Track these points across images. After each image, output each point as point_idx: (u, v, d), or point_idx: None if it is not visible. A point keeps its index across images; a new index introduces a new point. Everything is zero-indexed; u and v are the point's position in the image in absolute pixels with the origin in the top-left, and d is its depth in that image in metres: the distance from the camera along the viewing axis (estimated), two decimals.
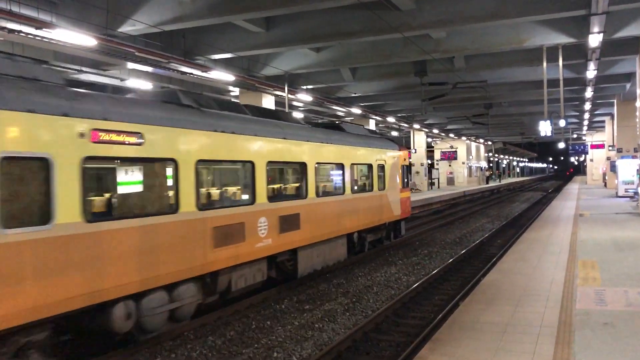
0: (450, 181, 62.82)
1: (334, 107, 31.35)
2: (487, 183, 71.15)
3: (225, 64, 21.07)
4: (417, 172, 51.10)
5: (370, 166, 15.65)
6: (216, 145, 9.30)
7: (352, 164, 14.41)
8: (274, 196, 11.36)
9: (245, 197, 10.31)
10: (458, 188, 55.02)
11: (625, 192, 31.74)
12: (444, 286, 12.74)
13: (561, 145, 44.88)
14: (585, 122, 48.55)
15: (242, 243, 9.72)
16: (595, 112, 44.15)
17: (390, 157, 17.15)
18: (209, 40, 18.93)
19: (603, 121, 50.75)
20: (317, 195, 12.50)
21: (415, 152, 49.60)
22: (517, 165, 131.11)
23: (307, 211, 11.95)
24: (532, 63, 22.68)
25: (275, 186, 11.97)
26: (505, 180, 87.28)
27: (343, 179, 13.91)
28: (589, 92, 28.18)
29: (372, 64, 23.03)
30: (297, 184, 12.45)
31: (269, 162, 10.75)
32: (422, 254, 16.94)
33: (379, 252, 17.14)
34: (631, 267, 10.93)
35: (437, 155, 62.48)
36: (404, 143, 54.71)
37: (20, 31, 13.06)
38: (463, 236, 21.44)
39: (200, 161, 8.88)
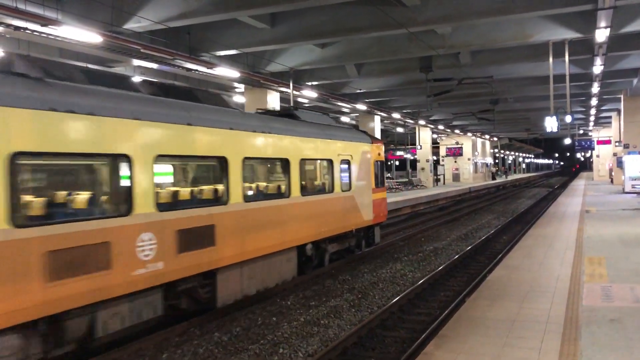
0: (456, 177, 62.70)
1: (339, 104, 31.31)
2: (494, 179, 70.95)
3: (230, 60, 21.07)
4: (423, 169, 51.08)
5: (330, 162, 13.05)
6: (57, 132, 6.60)
7: (303, 160, 11.82)
8: (169, 203, 8.54)
9: (112, 205, 7.60)
10: (464, 184, 54.91)
11: (632, 188, 31.63)
12: (450, 282, 12.73)
13: (567, 141, 44.53)
14: (592, 118, 48.31)
15: (108, 271, 7.08)
16: (602, 108, 43.90)
17: (359, 151, 14.59)
18: (214, 37, 18.93)
19: (610, 117, 50.47)
20: (246, 199, 9.81)
21: (421, 148, 49.58)
22: (523, 162, 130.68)
23: (228, 221, 9.27)
24: (539, 58, 22.54)
25: (173, 189, 9.04)
26: (511, 177, 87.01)
27: (288, 178, 11.20)
28: (595, 88, 28.02)
29: (377, 59, 22.94)
30: (212, 186, 9.61)
31: (160, 157, 8.07)
32: (428, 250, 16.92)
33: (384, 249, 17.13)
34: (638, 264, 10.88)
35: (442, 151, 62.38)
36: (409, 139, 54.71)
37: (26, 28, 13.11)
38: (469, 232, 21.40)
39: (20, 154, 6.19)
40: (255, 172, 11.66)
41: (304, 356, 7.98)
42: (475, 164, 65.44)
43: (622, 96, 36.29)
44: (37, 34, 13.51)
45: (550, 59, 20.05)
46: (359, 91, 30.26)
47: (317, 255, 12.99)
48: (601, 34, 16.75)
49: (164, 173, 9.18)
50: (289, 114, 12.93)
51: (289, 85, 23.66)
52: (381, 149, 16.33)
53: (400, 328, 9.36)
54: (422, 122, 44.24)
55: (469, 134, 61.59)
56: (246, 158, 9.89)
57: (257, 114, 11.49)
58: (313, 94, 26.12)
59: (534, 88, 31.69)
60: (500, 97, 35.20)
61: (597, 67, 22.00)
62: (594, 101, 34.15)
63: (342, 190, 13.50)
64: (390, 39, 20.45)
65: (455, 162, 62.55)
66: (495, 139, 76.59)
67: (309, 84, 26.34)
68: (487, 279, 10.23)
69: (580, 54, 21.50)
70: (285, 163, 11.23)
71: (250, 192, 10.48)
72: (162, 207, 8.09)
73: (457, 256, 15.31)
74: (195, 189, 9.51)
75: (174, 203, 8.67)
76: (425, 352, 6.34)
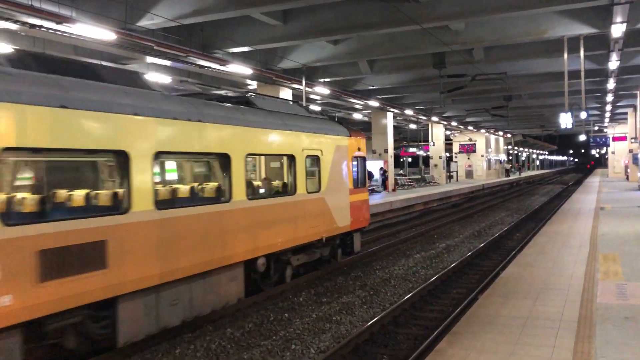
0: (469, 174, 62.32)
1: (352, 100, 31.29)
2: (508, 176, 70.47)
3: (243, 57, 21.12)
4: (436, 165, 50.89)
5: (292, 158, 10.99)
6: None
7: (250, 155, 9.98)
8: (25, 214, 6.54)
9: None
10: (477, 181, 54.60)
11: None
12: (463, 280, 12.69)
13: (582, 137, 44.05)
14: (607, 114, 47.75)
15: None
16: (618, 104, 43.39)
17: (333, 145, 12.54)
18: (226, 34, 18.99)
19: (625, 113, 49.86)
20: (159, 206, 7.71)
21: (434, 145, 49.39)
22: (537, 158, 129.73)
23: (129, 235, 7.17)
24: (553, 54, 22.33)
25: (34, 196, 6.82)
26: (525, 173, 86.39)
27: (228, 179, 9.10)
28: (611, 84, 27.71)
29: (390, 56, 22.90)
30: (103, 190, 7.67)
31: (9, 151, 5.97)
32: (441, 247, 16.86)
33: (396, 245, 17.09)
34: None
35: (455, 148, 62.04)
36: (421, 136, 54.46)
37: (41, 26, 13.24)
38: (482, 229, 21.30)
39: None
40: (179, 171, 9.93)
41: (316, 352, 8.00)
42: (489, 160, 65.00)
43: (638, 92, 35.81)
44: (52, 31, 13.64)
45: (565, 55, 19.86)
46: (371, 88, 30.20)
47: (277, 269, 11.04)
48: (617, 29, 16.55)
49: (22, 176, 7.18)
50: (244, 100, 10.96)
51: (301, 82, 23.67)
52: (362, 143, 14.11)
53: (412, 325, 9.35)
54: (435, 118, 44.05)
55: (483, 131, 61.18)
56: (160, 153, 7.83)
57: (183, 97, 9.16)
58: (325, 91, 26.12)
59: (548, 84, 31.42)
60: (514, 94, 34.93)
61: (613, 63, 21.74)
62: (609, 97, 33.79)
63: (308, 192, 11.47)
64: (403, 35, 20.38)
65: (469, 158, 62.21)
66: (509, 135, 76.03)
67: (322, 80, 26.33)
68: (500, 276, 10.19)
69: (595, 50, 21.27)
70: (224, 159, 9.11)
71: (167, 197, 8.46)
72: (11, 218, 6.11)
73: (470, 253, 15.24)
74: (74, 194, 7.32)
75: (35, 213, 6.57)
76: (438, 349, 6.33)
